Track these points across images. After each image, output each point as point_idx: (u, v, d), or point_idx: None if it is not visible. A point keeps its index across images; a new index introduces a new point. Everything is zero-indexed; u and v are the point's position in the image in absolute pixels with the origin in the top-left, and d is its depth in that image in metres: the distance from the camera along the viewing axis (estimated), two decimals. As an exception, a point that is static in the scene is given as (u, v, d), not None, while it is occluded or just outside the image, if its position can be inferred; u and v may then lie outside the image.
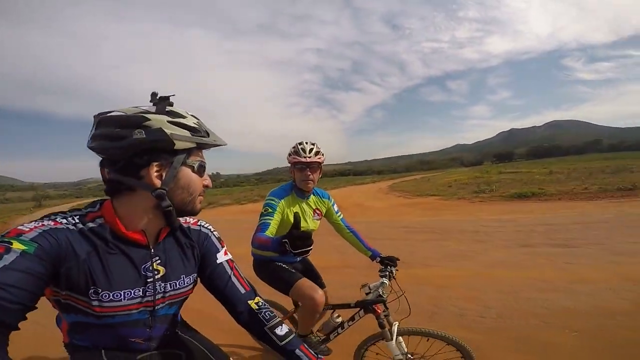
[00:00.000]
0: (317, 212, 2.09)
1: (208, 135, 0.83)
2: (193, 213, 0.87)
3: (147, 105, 0.80)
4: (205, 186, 0.87)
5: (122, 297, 0.80)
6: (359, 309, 1.83)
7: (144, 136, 0.73)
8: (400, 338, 1.73)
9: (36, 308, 0.69)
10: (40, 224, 0.71)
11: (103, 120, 0.76)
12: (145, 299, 0.85)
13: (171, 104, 0.81)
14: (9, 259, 0.61)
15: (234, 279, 0.99)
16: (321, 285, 2.09)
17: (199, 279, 1.01)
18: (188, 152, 0.80)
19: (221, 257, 1.01)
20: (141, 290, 0.83)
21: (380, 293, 1.77)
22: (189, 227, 0.98)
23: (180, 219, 0.93)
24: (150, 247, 0.86)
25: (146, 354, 0.94)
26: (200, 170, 0.84)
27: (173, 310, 0.97)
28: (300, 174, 1.91)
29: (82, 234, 0.76)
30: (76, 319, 0.80)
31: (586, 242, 5.34)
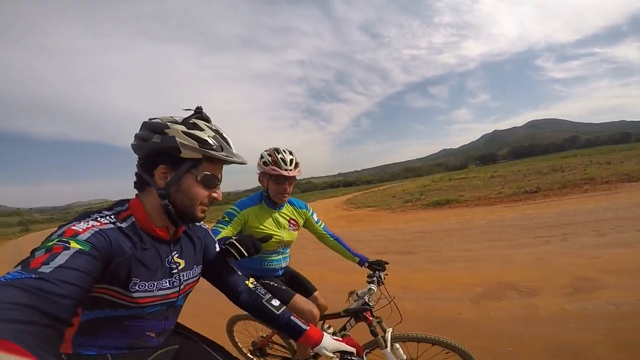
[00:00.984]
0: (293, 222, 1.98)
1: (222, 150, 0.87)
2: (194, 219, 0.93)
3: (185, 115, 0.90)
4: (213, 198, 0.93)
5: (155, 287, 0.88)
6: (349, 317, 1.77)
7: (159, 141, 0.83)
8: (398, 345, 1.67)
9: (85, 305, 0.80)
10: (91, 224, 0.76)
11: (143, 125, 0.89)
12: (172, 289, 0.93)
13: (203, 117, 0.91)
14: (65, 257, 0.63)
15: (229, 264, 1.14)
16: (312, 290, 2.08)
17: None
18: (196, 162, 0.86)
19: (218, 247, 1.15)
20: (168, 281, 0.92)
21: (367, 300, 1.71)
22: (192, 225, 1.09)
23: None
24: (171, 242, 0.95)
25: (155, 354, 1.00)
26: (206, 181, 0.88)
27: (183, 301, 1.05)
28: (277, 187, 1.79)
29: (121, 231, 0.82)
30: (99, 314, 0.84)
31: (426, 250, 6.08)
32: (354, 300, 1.77)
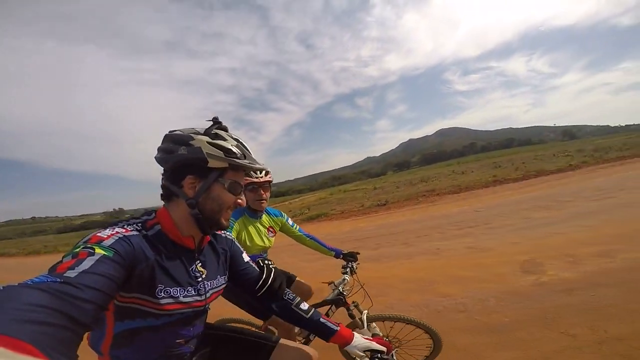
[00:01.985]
0: (271, 230, 2.16)
1: (245, 158, 0.91)
2: (220, 227, 0.96)
3: (205, 126, 0.92)
4: (238, 204, 0.95)
5: (180, 294, 0.90)
6: (330, 305, 1.94)
7: (186, 152, 0.85)
8: (374, 324, 1.79)
9: (107, 309, 0.80)
10: (115, 231, 0.79)
11: (166, 137, 0.91)
12: (197, 297, 0.95)
13: (222, 127, 0.93)
14: (90, 263, 0.65)
15: (259, 272, 1.16)
16: (293, 277, 2.24)
17: (229, 278, 1.14)
18: (222, 170, 0.89)
19: (246, 257, 1.18)
20: (193, 289, 0.94)
21: (341, 290, 1.91)
22: (217, 235, 1.12)
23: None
24: (195, 251, 0.98)
25: (192, 359, 1.06)
26: (233, 188, 0.91)
27: (208, 307, 1.08)
28: (253, 195, 1.95)
29: (147, 239, 0.85)
30: (131, 325, 0.87)
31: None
32: (332, 289, 1.96)
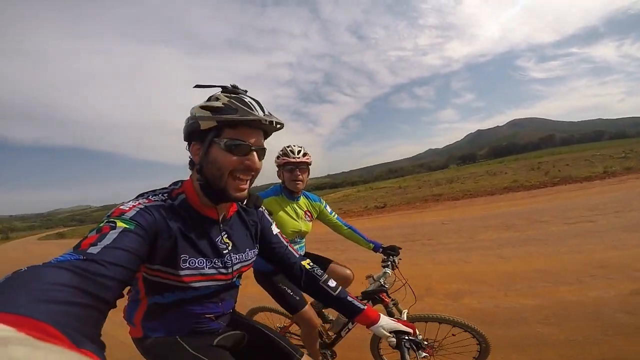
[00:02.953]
0: (308, 214, 2.12)
1: (236, 112, 0.81)
2: (227, 197, 0.87)
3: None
4: (246, 166, 0.85)
5: (205, 265, 0.89)
6: (366, 300, 1.81)
7: (187, 122, 0.86)
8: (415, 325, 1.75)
9: (131, 284, 0.79)
10: (137, 202, 0.79)
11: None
12: (222, 270, 0.94)
13: (228, 90, 0.88)
14: (111, 237, 0.64)
15: (288, 246, 1.14)
16: (327, 263, 2.20)
17: (258, 250, 1.11)
18: (218, 131, 0.83)
19: (275, 229, 1.15)
20: (220, 261, 0.93)
21: (382, 283, 1.79)
22: (247, 207, 1.06)
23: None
24: (220, 222, 0.96)
25: (220, 338, 1.06)
26: (229, 147, 0.82)
27: (238, 281, 1.08)
28: (289, 175, 1.94)
29: (171, 209, 0.84)
30: (161, 298, 0.90)
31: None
32: (370, 284, 1.84)
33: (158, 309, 0.91)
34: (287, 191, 2.01)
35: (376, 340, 1.92)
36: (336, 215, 2.22)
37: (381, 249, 2.06)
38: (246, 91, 0.89)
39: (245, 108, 0.82)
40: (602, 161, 16.83)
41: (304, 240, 2.16)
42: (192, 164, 0.90)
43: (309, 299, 1.72)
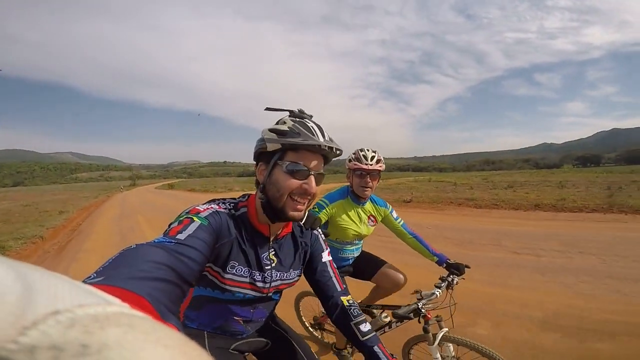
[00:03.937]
0: (372, 218, 2.08)
1: (299, 136, 0.85)
2: (285, 217, 0.90)
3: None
4: (304, 190, 0.87)
5: (247, 275, 0.95)
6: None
7: (257, 144, 0.92)
8: (450, 345, 1.68)
9: (203, 271, 0.84)
10: (210, 206, 0.89)
11: None
12: (260, 283, 0.98)
13: (295, 115, 0.92)
14: (192, 228, 0.75)
15: (333, 277, 1.10)
16: (379, 264, 2.15)
17: (303, 273, 1.13)
18: (281, 153, 0.87)
19: (325, 257, 1.13)
20: (260, 275, 0.98)
21: (420, 306, 1.63)
22: (304, 229, 1.11)
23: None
24: (270, 239, 1.00)
25: (241, 342, 1.12)
26: (291, 170, 0.86)
27: (276, 296, 1.12)
28: (359, 180, 1.91)
29: (233, 218, 0.92)
30: (202, 292, 0.98)
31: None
32: (417, 299, 1.70)
33: (201, 300, 1.00)
34: (354, 195, 1.99)
35: (407, 348, 1.92)
36: (402, 222, 2.11)
37: (445, 264, 1.89)
38: (311, 116, 0.93)
39: (308, 133, 0.85)
40: None
41: (362, 242, 2.19)
42: (257, 182, 0.95)
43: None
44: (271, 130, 0.87)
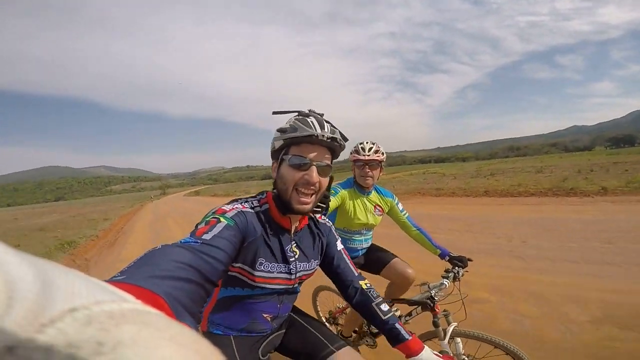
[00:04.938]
0: (378, 208, 2.14)
1: (295, 130, 0.89)
2: (292, 210, 0.93)
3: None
4: (305, 181, 0.90)
5: (275, 269, 0.98)
6: (414, 306, 1.79)
7: (271, 146, 0.98)
8: (459, 339, 1.65)
9: (228, 271, 0.89)
10: (235, 206, 0.91)
11: None
12: (287, 275, 1.02)
13: (302, 114, 0.95)
14: (218, 229, 0.77)
15: (349, 263, 1.16)
16: (388, 259, 2.15)
17: (319, 263, 1.16)
18: (286, 149, 0.93)
19: (339, 246, 1.18)
20: (286, 267, 1.01)
21: (433, 294, 1.68)
22: (318, 221, 1.16)
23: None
24: (292, 232, 1.04)
25: (267, 340, 1.14)
26: (293, 163, 0.90)
27: (298, 289, 1.15)
28: (359, 171, 2.01)
29: (257, 216, 0.95)
30: (232, 292, 1.01)
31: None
32: (424, 292, 1.73)
33: (226, 302, 1.04)
34: (358, 186, 2.08)
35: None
36: (407, 215, 2.17)
37: (448, 257, 1.94)
38: (322, 114, 0.97)
39: (304, 126, 0.89)
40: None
41: (371, 232, 2.23)
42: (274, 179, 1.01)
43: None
44: (277, 129, 0.94)
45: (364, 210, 2.07)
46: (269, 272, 0.97)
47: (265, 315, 1.08)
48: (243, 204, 0.96)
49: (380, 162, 2.02)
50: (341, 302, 2.51)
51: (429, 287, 1.73)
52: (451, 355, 1.55)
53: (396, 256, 2.19)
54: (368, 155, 1.97)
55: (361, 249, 2.22)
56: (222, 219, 0.82)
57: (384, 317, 1.05)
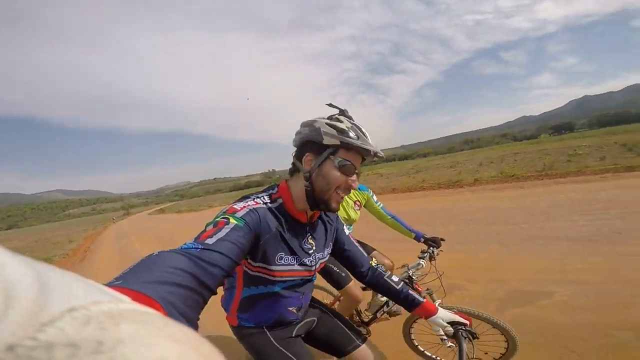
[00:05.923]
0: (357, 203, 2.20)
1: (358, 139, 0.90)
2: (328, 207, 0.95)
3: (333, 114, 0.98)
4: (349, 186, 0.93)
5: (295, 262, 0.99)
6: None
7: (308, 132, 0.93)
8: None
9: (232, 275, 0.92)
10: (247, 204, 0.89)
11: (301, 124, 0.98)
12: (307, 267, 1.03)
13: (346, 115, 0.97)
14: (225, 231, 0.73)
15: (357, 246, 1.22)
16: (369, 251, 2.30)
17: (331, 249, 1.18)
18: (335, 149, 0.91)
19: (347, 231, 1.22)
20: (306, 259, 1.02)
21: (410, 274, 1.78)
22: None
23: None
24: (307, 225, 1.04)
25: (297, 326, 1.19)
26: (342, 167, 0.90)
27: (314, 278, 1.18)
28: None
29: (271, 211, 0.93)
30: (255, 291, 1.01)
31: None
32: (402, 273, 1.84)
33: (250, 301, 1.05)
34: None
35: (408, 327, 1.98)
36: (381, 205, 2.27)
37: (423, 239, 2.05)
38: (351, 118, 0.99)
39: (365, 137, 0.92)
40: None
41: (351, 227, 2.28)
42: (292, 171, 1.01)
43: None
44: (330, 125, 0.90)
45: (345, 206, 2.13)
46: (289, 264, 0.98)
47: (290, 309, 1.11)
48: (255, 199, 0.94)
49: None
50: (328, 298, 2.55)
51: (407, 268, 1.85)
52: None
53: (374, 249, 2.34)
54: None
55: None
56: (231, 219, 0.80)
57: (397, 287, 1.15)
